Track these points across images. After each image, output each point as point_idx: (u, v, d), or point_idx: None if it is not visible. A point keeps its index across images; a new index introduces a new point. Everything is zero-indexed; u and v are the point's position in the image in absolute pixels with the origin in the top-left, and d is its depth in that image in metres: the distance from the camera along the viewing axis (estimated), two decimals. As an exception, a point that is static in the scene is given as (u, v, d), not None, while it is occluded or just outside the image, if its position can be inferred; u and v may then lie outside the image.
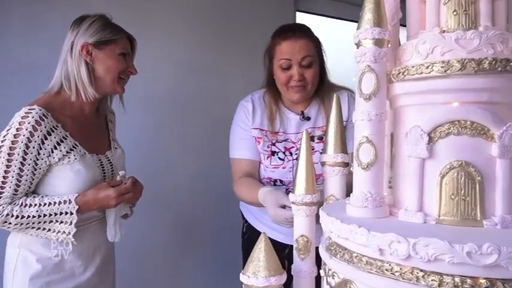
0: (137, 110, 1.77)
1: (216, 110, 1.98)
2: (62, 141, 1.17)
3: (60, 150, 1.17)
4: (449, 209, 0.61)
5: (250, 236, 1.53)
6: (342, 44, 1.53)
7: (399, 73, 0.65)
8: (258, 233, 1.57)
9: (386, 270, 0.55)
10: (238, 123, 1.45)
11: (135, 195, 1.29)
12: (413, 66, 0.63)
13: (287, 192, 1.38)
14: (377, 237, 0.55)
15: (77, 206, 1.17)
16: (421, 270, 0.53)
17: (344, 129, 0.91)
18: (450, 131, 0.61)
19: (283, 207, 1.13)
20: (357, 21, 0.68)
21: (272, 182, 1.43)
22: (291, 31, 1.35)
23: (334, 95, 0.91)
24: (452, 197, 0.61)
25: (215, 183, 2.04)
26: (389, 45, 0.67)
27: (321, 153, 1.42)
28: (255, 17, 2.08)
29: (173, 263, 2.07)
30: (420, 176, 0.63)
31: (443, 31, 0.64)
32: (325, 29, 1.54)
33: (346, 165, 0.89)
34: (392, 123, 0.71)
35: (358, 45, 0.68)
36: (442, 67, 0.60)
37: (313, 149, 1.38)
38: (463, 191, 0.61)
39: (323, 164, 0.90)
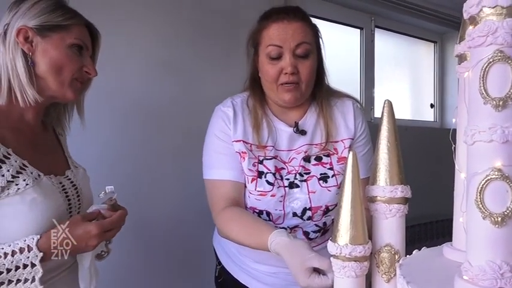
0: (99, 121, 1.42)
1: (202, 119, 1.59)
2: (2, 163, 0.81)
3: (3, 175, 0.80)
4: None
5: (225, 280, 1.21)
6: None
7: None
8: (234, 279, 1.17)
9: None
10: (216, 133, 1.11)
11: (118, 228, 0.94)
12: None
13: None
14: None
15: (41, 253, 0.80)
16: None
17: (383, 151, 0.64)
18: None
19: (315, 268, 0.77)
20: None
21: (256, 214, 1.08)
22: (283, 12, 1.04)
23: (386, 101, 0.65)
24: None
25: (198, 209, 1.60)
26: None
27: (319, 179, 1.10)
28: (241, 10, 1.76)
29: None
30: None
31: None
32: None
33: (407, 201, 0.62)
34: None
35: (476, 19, 0.42)
36: None
37: (308, 173, 1.08)
38: None
39: (373, 199, 0.63)
